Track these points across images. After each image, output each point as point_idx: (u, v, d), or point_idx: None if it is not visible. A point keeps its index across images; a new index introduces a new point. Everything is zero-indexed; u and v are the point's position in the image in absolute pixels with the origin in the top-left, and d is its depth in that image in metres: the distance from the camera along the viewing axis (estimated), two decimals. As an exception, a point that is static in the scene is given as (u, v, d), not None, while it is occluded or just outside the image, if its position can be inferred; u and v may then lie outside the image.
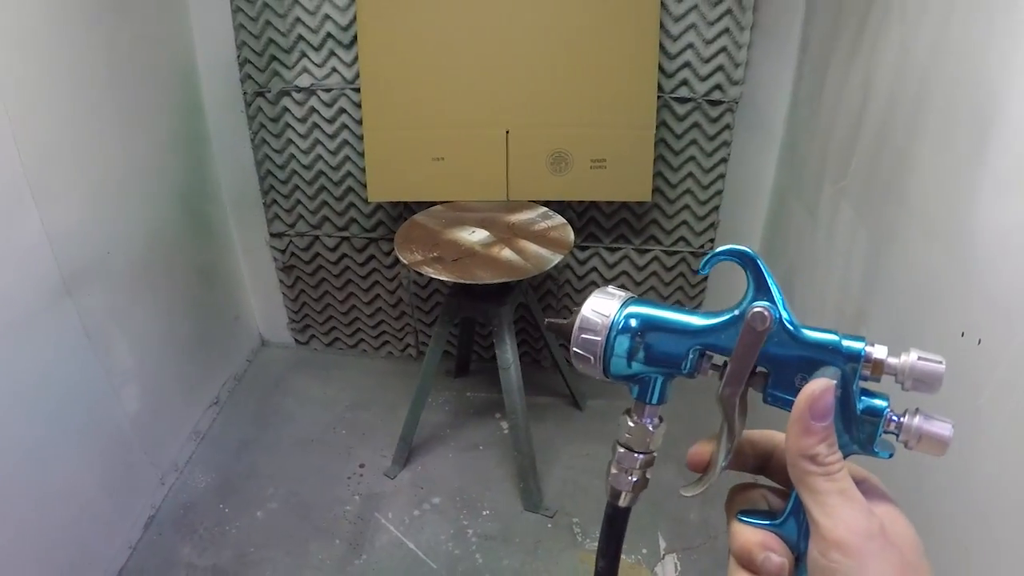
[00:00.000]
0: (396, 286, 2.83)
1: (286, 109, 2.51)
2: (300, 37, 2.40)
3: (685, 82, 2.35)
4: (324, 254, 2.77)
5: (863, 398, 0.42)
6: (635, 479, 0.50)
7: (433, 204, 2.45)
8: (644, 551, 2.19)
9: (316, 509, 2.33)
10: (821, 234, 2.06)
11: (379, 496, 2.38)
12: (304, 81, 2.46)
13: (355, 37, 2.34)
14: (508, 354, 2.24)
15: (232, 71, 2.49)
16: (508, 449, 2.53)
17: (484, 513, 2.33)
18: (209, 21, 2.44)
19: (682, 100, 2.38)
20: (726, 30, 2.26)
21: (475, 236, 2.24)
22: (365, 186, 2.50)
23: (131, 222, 2.18)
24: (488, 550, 2.20)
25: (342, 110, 2.48)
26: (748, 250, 0.44)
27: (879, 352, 0.42)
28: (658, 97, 2.32)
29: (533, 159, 2.38)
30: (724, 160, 2.47)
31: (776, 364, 0.44)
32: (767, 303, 0.43)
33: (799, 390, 0.41)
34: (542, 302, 2.81)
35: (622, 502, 0.51)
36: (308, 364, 3.03)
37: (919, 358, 0.41)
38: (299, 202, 2.67)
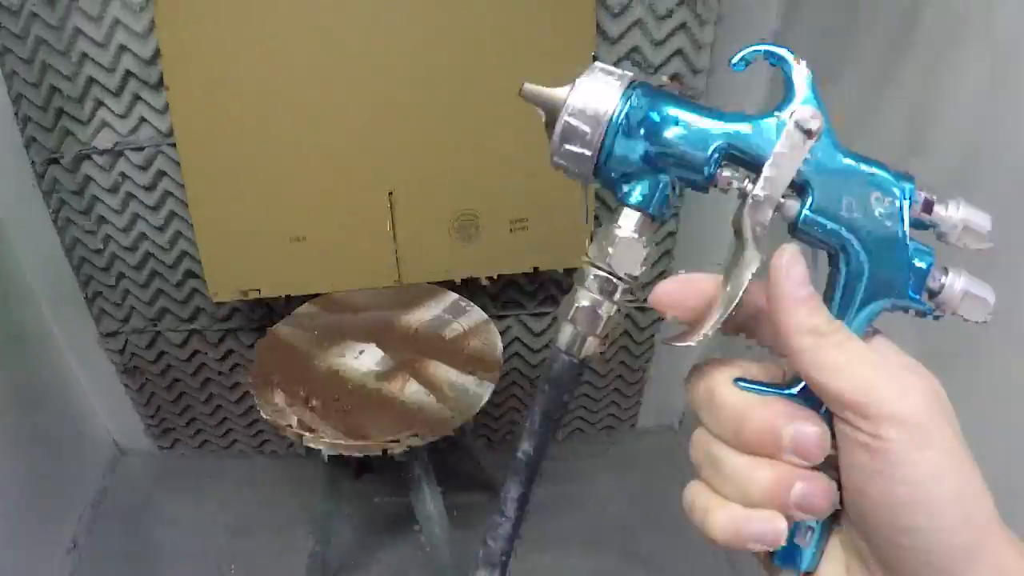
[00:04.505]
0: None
1: (89, 178, 1.82)
2: (91, 79, 1.70)
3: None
4: (172, 351, 2.11)
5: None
6: (607, 316, 0.38)
7: (299, 297, 1.81)
8: None
9: None
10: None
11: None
12: (106, 140, 1.77)
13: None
14: (429, 504, 1.68)
15: (13, 134, 1.79)
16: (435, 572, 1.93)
17: None
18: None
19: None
20: (678, 51, 1.73)
21: (364, 360, 1.60)
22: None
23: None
24: None
25: (162, 173, 1.81)
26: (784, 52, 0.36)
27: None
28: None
29: (430, 227, 1.74)
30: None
31: (819, 181, 0.36)
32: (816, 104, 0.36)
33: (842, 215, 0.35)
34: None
35: (583, 351, 0.38)
36: (176, 475, 2.39)
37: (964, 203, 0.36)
38: (128, 292, 2.00)
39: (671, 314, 0.38)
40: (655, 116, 0.37)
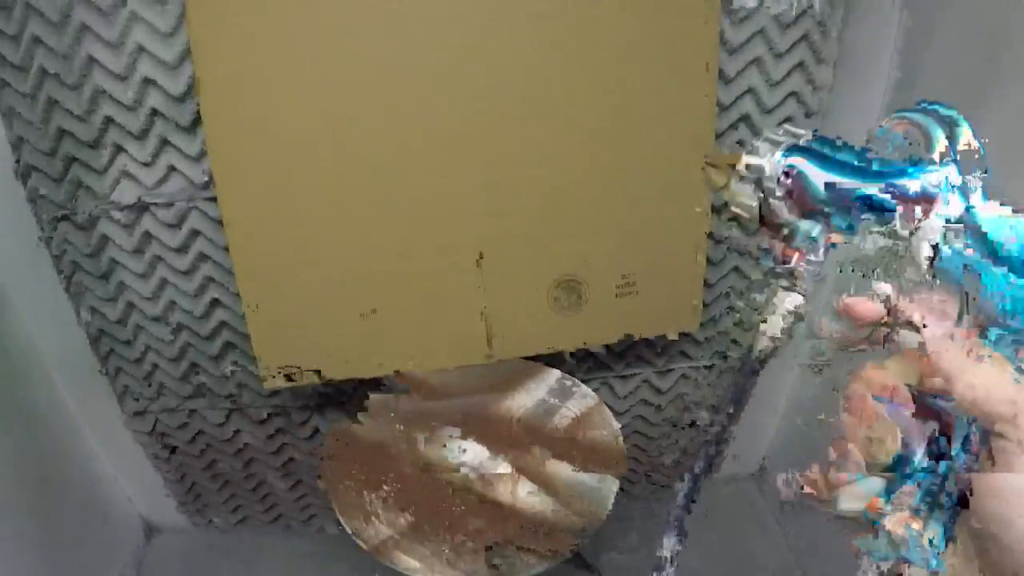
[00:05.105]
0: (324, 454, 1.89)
1: (107, 238, 1.51)
2: (109, 120, 1.39)
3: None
4: (210, 431, 1.80)
5: None
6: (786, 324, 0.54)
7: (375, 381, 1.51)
8: None
9: None
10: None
11: None
12: (127, 193, 1.46)
13: (200, 114, 1.34)
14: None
15: (14, 185, 1.48)
16: None
17: None
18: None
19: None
20: (793, 93, 1.49)
21: (466, 458, 1.31)
22: (249, 340, 1.51)
23: None
24: None
25: (196, 232, 1.50)
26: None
27: None
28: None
29: (526, 294, 1.43)
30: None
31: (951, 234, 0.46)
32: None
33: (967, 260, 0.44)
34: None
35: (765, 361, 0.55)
36: (216, 554, 2.08)
37: None
38: (157, 367, 1.68)
39: (855, 320, 0.50)
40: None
